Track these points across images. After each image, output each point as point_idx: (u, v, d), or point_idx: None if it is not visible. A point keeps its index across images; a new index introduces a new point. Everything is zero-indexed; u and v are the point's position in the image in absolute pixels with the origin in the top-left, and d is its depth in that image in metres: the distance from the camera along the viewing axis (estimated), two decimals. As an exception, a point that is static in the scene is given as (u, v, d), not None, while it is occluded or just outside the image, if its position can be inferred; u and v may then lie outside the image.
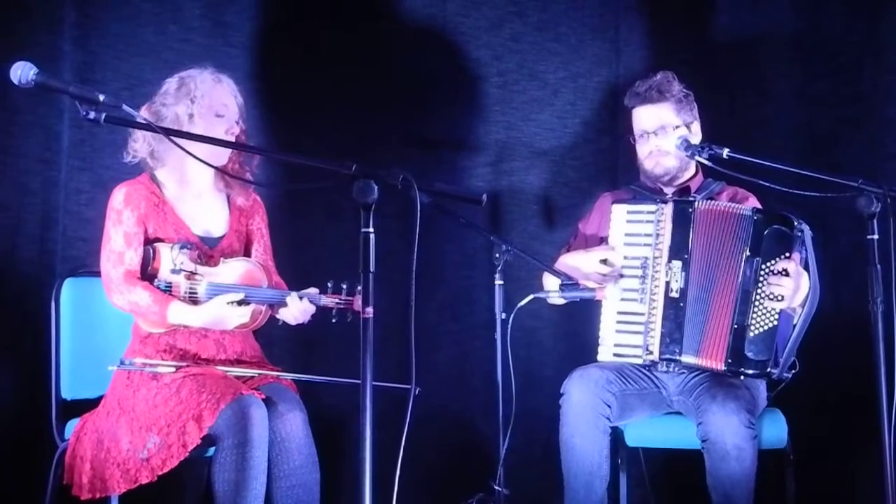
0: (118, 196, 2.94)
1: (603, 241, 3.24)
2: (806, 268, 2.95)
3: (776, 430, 3.07)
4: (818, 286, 2.97)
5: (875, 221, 2.55)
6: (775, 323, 2.93)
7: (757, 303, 2.94)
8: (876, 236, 2.55)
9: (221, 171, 3.00)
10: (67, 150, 3.44)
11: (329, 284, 2.93)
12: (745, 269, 2.96)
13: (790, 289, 2.91)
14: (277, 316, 2.98)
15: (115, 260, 2.89)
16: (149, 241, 2.93)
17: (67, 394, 3.06)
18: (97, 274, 2.95)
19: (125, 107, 2.23)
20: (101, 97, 2.18)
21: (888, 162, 3.67)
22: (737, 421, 2.84)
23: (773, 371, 2.94)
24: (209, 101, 2.95)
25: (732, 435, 2.84)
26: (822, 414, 3.60)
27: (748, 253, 2.95)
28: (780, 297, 2.92)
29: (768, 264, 2.94)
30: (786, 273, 2.91)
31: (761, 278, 2.94)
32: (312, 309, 2.94)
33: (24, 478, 3.21)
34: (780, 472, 3.10)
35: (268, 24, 3.71)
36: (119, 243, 2.90)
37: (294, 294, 2.91)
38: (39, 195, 3.40)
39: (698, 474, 2.93)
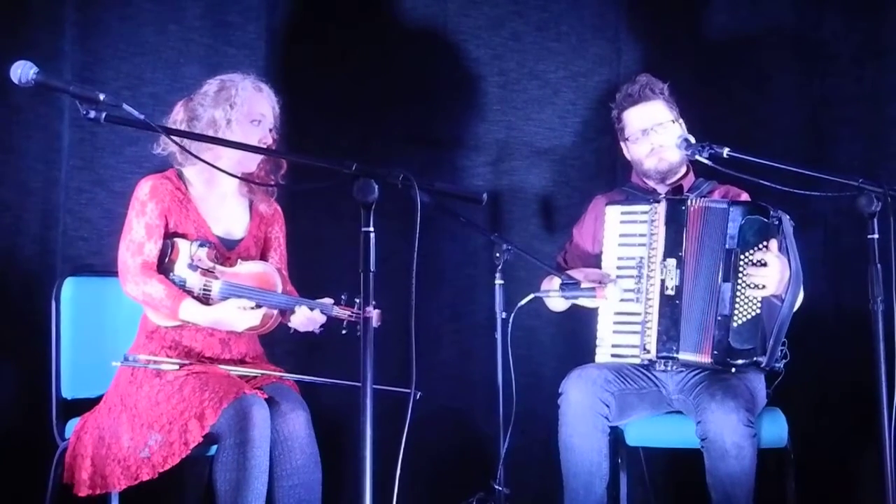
0: (144, 188, 2.95)
1: (598, 243, 3.25)
2: (786, 255, 2.97)
3: (776, 429, 3.07)
4: (800, 273, 3.01)
5: (875, 221, 2.55)
6: (758, 311, 2.96)
7: (739, 293, 2.97)
8: (876, 235, 2.55)
9: (243, 180, 3.01)
10: (68, 149, 3.44)
11: (343, 297, 2.94)
12: (724, 261, 2.99)
13: (770, 277, 2.95)
14: (288, 324, 2.99)
15: (134, 250, 2.90)
16: (168, 236, 2.94)
17: (68, 393, 3.06)
18: (98, 273, 2.96)
19: (125, 106, 2.23)
20: (102, 96, 2.19)
21: (889, 161, 3.67)
22: (736, 419, 2.85)
23: (761, 359, 2.96)
24: (248, 108, 2.97)
25: (731, 433, 2.84)
26: (822, 413, 3.61)
27: (727, 245, 3.00)
28: (761, 286, 2.95)
29: (747, 254, 2.98)
30: (764, 262, 2.95)
31: (741, 268, 2.98)
32: (323, 318, 2.95)
33: (24, 478, 3.20)
34: (780, 472, 3.11)
35: (268, 24, 3.71)
36: (140, 234, 2.90)
37: (306, 304, 2.93)
38: (40, 194, 3.40)
39: (698, 473, 2.93)
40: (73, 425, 2.93)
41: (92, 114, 2.18)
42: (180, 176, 3.02)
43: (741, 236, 2.99)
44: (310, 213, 3.69)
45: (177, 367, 2.86)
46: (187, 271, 2.91)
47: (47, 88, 2.22)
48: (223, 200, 3.07)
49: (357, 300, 2.89)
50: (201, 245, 2.92)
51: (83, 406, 3.00)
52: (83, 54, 3.46)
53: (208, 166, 2.89)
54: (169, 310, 2.86)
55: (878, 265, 2.54)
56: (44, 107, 3.38)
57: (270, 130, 3.04)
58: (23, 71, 2.16)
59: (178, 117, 3.01)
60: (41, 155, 3.41)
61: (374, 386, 2.18)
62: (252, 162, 3.03)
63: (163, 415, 2.76)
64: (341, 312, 2.94)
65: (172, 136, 2.67)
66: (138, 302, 2.92)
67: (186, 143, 2.80)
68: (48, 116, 3.40)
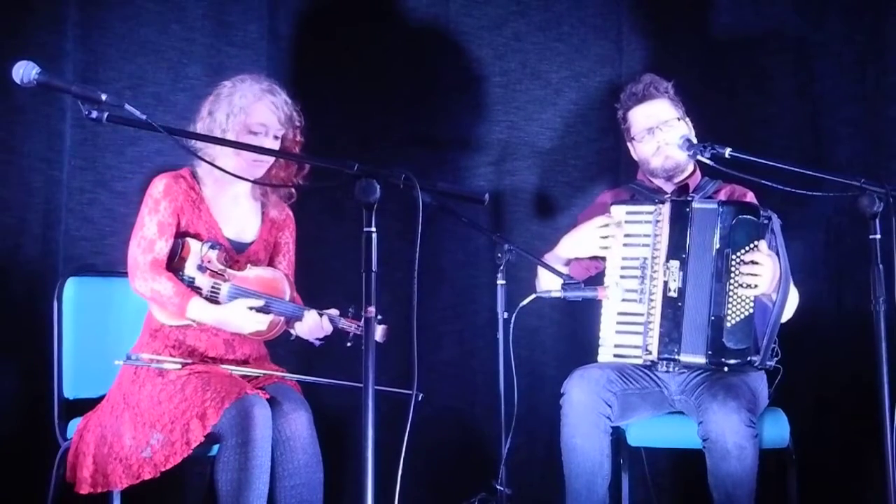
0: (158, 186, 2.95)
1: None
2: (776, 254, 2.98)
3: (778, 429, 3.07)
4: (790, 272, 3.01)
5: (877, 221, 2.54)
6: (751, 311, 2.97)
7: (731, 293, 2.98)
8: (878, 236, 2.55)
9: (256, 183, 3.01)
10: (70, 149, 3.44)
11: (351, 310, 2.93)
12: (717, 261, 3.00)
13: (761, 276, 2.96)
14: (292, 330, 2.99)
15: (145, 246, 2.90)
16: (179, 235, 2.95)
17: (70, 393, 3.07)
18: (100, 273, 2.96)
19: (127, 106, 2.23)
20: (104, 96, 2.19)
21: (891, 161, 3.67)
22: (737, 420, 2.85)
23: (755, 359, 2.97)
24: (245, 118, 2.95)
25: (733, 434, 2.84)
26: (824, 413, 3.61)
27: (719, 245, 3.00)
28: (753, 286, 2.96)
29: (738, 254, 2.99)
30: (755, 261, 2.96)
31: (733, 268, 2.99)
32: (329, 328, 2.95)
33: (26, 477, 3.21)
34: (782, 472, 3.11)
35: (270, 24, 3.71)
36: (152, 231, 2.91)
37: (314, 311, 2.93)
38: (42, 194, 3.40)
39: (700, 474, 2.93)
40: (75, 425, 2.93)
41: (94, 114, 2.18)
42: (194, 175, 3.02)
43: (732, 236, 3.00)
44: (311, 213, 3.68)
45: (179, 366, 2.86)
46: (196, 272, 2.92)
47: (49, 88, 2.22)
48: (236, 202, 3.06)
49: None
50: (212, 247, 2.92)
51: (85, 406, 3.00)
52: (85, 54, 3.46)
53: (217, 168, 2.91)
54: (177, 307, 2.86)
55: (880, 265, 2.54)
56: (46, 107, 3.38)
57: (276, 138, 3.01)
58: (25, 71, 2.16)
59: (203, 113, 3.00)
60: (43, 155, 3.40)
61: (376, 387, 2.18)
62: (258, 170, 3.00)
63: (165, 414, 2.77)
64: (348, 325, 2.94)
65: (174, 136, 2.66)
66: (146, 298, 2.92)
67: (208, 152, 2.82)
68: (50, 116, 3.40)
